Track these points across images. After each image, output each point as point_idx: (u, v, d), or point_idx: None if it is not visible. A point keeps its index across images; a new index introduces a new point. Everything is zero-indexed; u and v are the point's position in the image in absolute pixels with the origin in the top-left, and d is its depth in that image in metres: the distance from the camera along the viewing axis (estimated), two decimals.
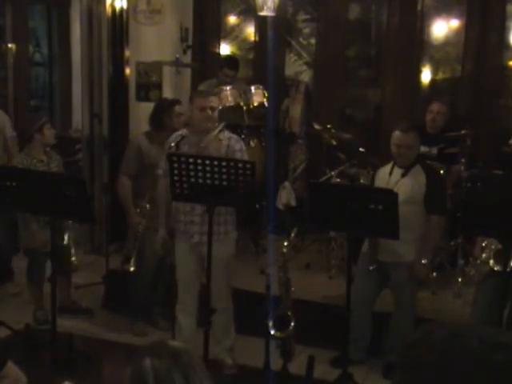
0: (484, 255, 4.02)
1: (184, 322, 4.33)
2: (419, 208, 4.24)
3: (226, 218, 4.18)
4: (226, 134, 4.27)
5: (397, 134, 4.25)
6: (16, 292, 5.52)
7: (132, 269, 5.21)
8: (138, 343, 4.74)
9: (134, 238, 4.97)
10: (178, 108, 4.83)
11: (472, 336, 1.05)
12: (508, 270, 3.67)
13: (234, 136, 4.32)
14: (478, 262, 4.19)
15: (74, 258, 5.64)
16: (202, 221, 4.12)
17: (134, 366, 1.66)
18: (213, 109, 4.16)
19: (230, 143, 4.20)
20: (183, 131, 4.28)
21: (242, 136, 5.52)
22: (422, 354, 1.06)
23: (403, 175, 4.28)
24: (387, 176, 4.32)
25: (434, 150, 5.44)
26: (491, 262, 3.93)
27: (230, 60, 6.35)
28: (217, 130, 4.21)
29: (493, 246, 3.94)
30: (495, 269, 3.87)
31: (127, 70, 6.45)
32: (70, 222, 4.99)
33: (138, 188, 4.82)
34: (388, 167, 4.40)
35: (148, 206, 4.77)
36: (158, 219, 4.47)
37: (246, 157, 4.20)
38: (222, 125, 4.26)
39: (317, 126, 5.91)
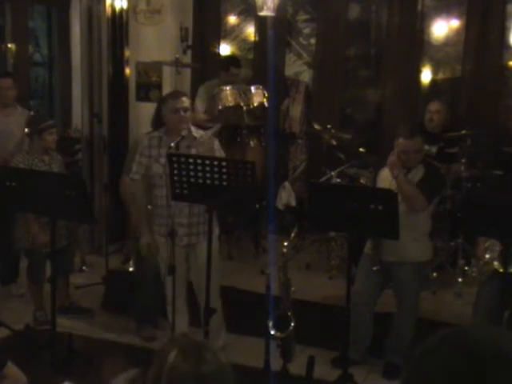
0: (487, 256, 4.00)
1: (177, 322, 4.23)
2: None
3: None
4: (199, 131, 4.30)
5: (402, 141, 4.14)
6: (20, 294, 5.49)
7: (131, 269, 5.22)
8: (138, 343, 4.74)
9: (134, 238, 4.97)
10: None
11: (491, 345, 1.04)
12: (511, 270, 3.66)
13: (209, 132, 4.30)
14: (481, 263, 4.16)
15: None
16: (189, 223, 4.16)
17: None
18: (185, 110, 4.16)
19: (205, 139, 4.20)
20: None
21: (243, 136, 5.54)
22: (433, 361, 1.06)
23: (405, 175, 4.25)
24: (390, 177, 4.27)
25: (433, 149, 5.42)
26: (496, 263, 3.91)
27: (234, 59, 6.33)
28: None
29: (497, 248, 3.91)
30: (500, 270, 3.84)
31: (127, 70, 6.45)
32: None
33: None
34: None
35: (150, 206, 4.76)
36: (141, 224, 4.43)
37: (222, 154, 4.23)
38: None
39: (317, 126, 5.90)
